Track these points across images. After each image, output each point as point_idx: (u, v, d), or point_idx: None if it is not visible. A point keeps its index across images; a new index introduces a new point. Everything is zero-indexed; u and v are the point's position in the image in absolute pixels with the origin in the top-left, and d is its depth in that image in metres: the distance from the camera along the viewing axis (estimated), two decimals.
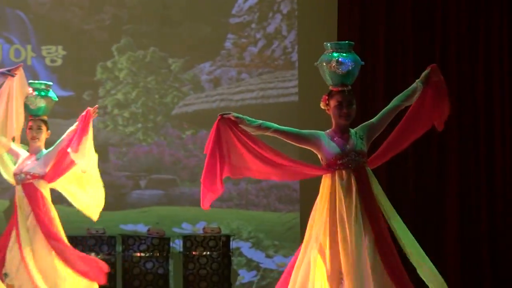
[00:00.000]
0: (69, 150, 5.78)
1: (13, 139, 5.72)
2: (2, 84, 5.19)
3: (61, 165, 5.95)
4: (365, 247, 4.28)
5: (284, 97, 8.77)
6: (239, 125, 4.49)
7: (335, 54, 4.55)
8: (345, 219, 4.30)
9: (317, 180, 4.50)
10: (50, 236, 5.86)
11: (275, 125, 4.55)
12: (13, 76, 5.07)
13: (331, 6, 8.29)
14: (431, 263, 4.40)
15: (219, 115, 4.41)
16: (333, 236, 4.30)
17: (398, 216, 4.46)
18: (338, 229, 4.32)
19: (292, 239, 8.44)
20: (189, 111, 8.71)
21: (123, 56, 8.59)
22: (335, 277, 4.32)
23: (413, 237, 4.46)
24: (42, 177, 5.91)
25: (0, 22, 8.76)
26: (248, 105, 8.46)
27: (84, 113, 5.78)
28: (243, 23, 8.76)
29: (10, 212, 6.49)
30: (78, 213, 6.89)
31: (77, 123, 5.84)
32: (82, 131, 5.84)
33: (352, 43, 4.74)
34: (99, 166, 5.82)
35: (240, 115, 4.41)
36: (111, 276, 7.28)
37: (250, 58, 8.67)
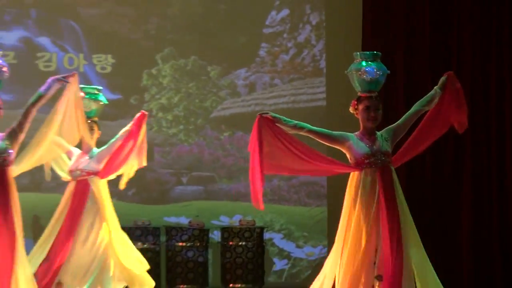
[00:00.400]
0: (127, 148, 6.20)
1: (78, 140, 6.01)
2: (57, 90, 5.34)
3: (114, 162, 6.31)
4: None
5: (313, 102, 9.26)
6: (276, 124, 4.85)
7: (363, 63, 4.99)
8: (370, 212, 4.72)
9: (342, 177, 5.01)
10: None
11: (309, 126, 4.93)
12: (67, 82, 5.27)
13: (356, 17, 8.75)
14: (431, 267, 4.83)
15: (258, 114, 4.80)
16: (359, 227, 4.72)
17: (409, 212, 4.84)
18: (362, 222, 4.74)
19: (319, 231, 8.88)
20: (226, 114, 9.16)
21: (167, 64, 9.05)
22: (366, 263, 4.73)
23: (417, 234, 4.86)
24: (95, 173, 6.22)
25: (55, 32, 9.21)
26: (280, 109, 8.73)
27: (138, 115, 6.21)
28: (275, 33, 9.23)
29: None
30: (126, 206, 7.99)
31: (131, 124, 6.21)
32: (138, 131, 6.25)
33: (379, 53, 5.12)
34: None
35: (277, 115, 4.78)
36: (155, 264, 8.07)
37: (282, 65, 9.10)
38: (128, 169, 6.41)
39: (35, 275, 6.20)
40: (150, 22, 9.33)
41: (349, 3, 9.22)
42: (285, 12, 9.23)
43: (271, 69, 9.27)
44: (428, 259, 4.88)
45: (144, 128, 6.39)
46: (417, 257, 4.91)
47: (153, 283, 6.40)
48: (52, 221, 6.36)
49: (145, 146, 6.36)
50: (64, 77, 5.24)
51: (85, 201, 6.49)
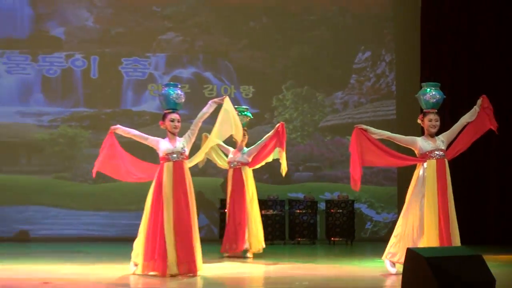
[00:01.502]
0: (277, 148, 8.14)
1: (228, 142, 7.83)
2: (214, 108, 6.77)
3: (259, 157, 8.40)
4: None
5: (387, 116, 11.39)
6: (366, 132, 6.46)
7: (428, 90, 6.57)
8: (430, 190, 6.25)
9: (407, 166, 6.87)
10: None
11: (389, 132, 6.61)
12: (221, 103, 6.72)
13: (416, 57, 10.82)
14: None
15: (355, 126, 6.50)
16: (420, 201, 6.29)
17: (451, 190, 6.26)
18: (426, 196, 6.30)
19: (392, 203, 11.08)
20: (328, 124, 11.45)
21: (289, 92, 11.35)
22: (431, 224, 6.24)
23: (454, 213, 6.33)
24: (246, 164, 8.30)
25: (216, 69, 11.48)
26: (365, 121, 10.28)
27: (278, 124, 8.23)
28: (361, 68, 11.52)
29: (224, 186, 9.04)
30: (263, 185, 9.88)
31: (272, 131, 8.24)
32: (276, 135, 8.21)
33: (439, 84, 6.70)
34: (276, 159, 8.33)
35: (366, 126, 6.50)
36: (282, 224, 10.33)
37: (365, 90, 11.33)
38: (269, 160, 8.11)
39: (225, 240, 8.15)
40: (277, 62, 11.44)
41: (411, 48, 11.17)
42: (367, 53, 11.41)
43: (359, 92, 11.44)
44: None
45: (284, 134, 8.22)
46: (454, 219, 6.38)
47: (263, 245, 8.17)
48: (229, 198, 8.42)
49: (284, 145, 8.21)
50: (221, 100, 6.68)
51: (243, 182, 8.26)
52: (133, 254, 6.76)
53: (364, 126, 6.64)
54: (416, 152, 6.61)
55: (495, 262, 6.72)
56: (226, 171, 8.68)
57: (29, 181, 11.43)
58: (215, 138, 7.00)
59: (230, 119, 6.96)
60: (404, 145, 6.82)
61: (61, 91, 11.63)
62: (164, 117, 6.72)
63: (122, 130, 6.89)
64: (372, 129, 6.67)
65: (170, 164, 6.56)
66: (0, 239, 10.96)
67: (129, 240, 7.69)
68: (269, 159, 8.51)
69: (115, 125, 7.02)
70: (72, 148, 11.52)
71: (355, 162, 6.58)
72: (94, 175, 7.12)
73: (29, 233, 11.31)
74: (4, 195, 11.26)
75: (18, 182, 11.38)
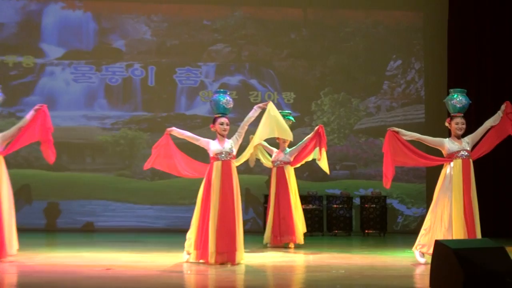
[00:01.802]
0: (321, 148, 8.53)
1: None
2: (258, 113, 7.03)
3: (301, 156, 8.79)
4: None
5: (416, 119, 11.58)
6: (398, 134, 6.62)
7: (455, 95, 6.70)
8: (455, 187, 6.48)
9: (436, 166, 7.00)
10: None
11: (418, 134, 6.75)
12: (265, 108, 7.03)
13: (443, 65, 11.12)
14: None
15: (388, 129, 6.68)
16: (448, 197, 6.49)
17: (475, 187, 6.47)
18: (453, 193, 6.47)
19: (421, 198, 11.32)
20: (362, 127, 11.74)
21: (326, 97, 11.62)
22: (459, 218, 6.44)
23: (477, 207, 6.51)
24: (289, 163, 8.66)
25: (260, 76, 11.71)
26: (396, 124, 10.52)
27: (317, 127, 8.61)
28: (393, 75, 11.75)
29: (269, 183, 9.18)
30: (302, 182, 9.95)
31: (312, 133, 8.63)
32: (315, 137, 8.59)
33: (465, 90, 6.79)
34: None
35: (398, 129, 6.67)
36: (320, 218, 10.57)
37: (397, 95, 11.59)
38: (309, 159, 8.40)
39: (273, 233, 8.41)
40: (315, 70, 11.69)
41: (439, 57, 11.46)
42: (398, 62, 11.76)
43: (390, 97, 11.74)
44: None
45: (324, 135, 8.57)
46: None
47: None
48: (274, 194, 8.70)
49: (325, 146, 8.60)
50: (263, 104, 6.96)
51: (286, 180, 8.57)
52: (186, 243, 6.99)
53: (396, 129, 6.84)
54: (443, 152, 6.78)
55: None
56: (270, 169, 8.96)
57: (94, 178, 11.77)
58: (257, 139, 7.20)
59: (271, 123, 7.17)
60: (432, 146, 7.01)
61: (122, 97, 11.93)
62: (214, 120, 6.92)
63: (176, 132, 7.10)
64: (403, 131, 6.89)
65: (219, 163, 6.78)
66: (69, 230, 11.41)
67: (180, 231, 8.30)
68: (309, 158, 8.77)
69: (171, 127, 7.25)
70: (132, 148, 11.72)
71: (388, 162, 6.86)
72: (145, 168, 7.38)
73: (94, 224, 11.72)
74: (71, 190, 11.65)
75: (84, 179, 11.76)
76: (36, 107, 7.41)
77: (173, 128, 7.14)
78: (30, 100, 11.17)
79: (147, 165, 7.33)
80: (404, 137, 6.87)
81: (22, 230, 8.60)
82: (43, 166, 10.74)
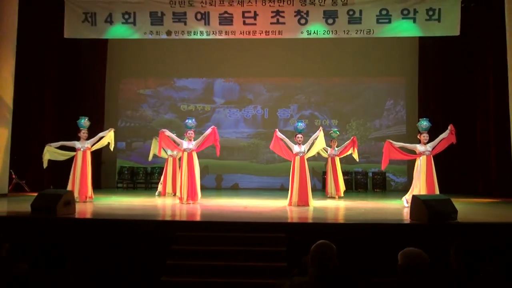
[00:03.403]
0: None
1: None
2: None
3: (343, 152, 12.37)
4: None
5: (401, 133, 14.76)
6: (391, 143, 9.45)
7: (422, 122, 9.79)
8: (422, 170, 9.24)
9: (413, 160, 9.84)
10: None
11: (402, 143, 9.53)
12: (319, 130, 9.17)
13: (416, 103, 14.68)
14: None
15: (386, 140, 9.70)
16: (419, 176, 9.31)
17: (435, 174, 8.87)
18: (421, 173, 9.29)
19: (404, 173, 15.31)
20: (373, 137, 15.64)
21: (354, 122, 15.77)
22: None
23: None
24: (337, 155, 12.30)
25: (319, 111, 15.28)
26: (390, 135, 14.09)
27: (353, 137, 12.34)
28: (388, 108, 15.37)
29: (326, 165, 12.75)
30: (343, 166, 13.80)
31: (349, 140, 12.48)
32: (356, 144, 12.23)
33: (428, 118, 9.47)
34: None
35: (391, 140, 9.55)
36: (351, 183, 14.77)
37: (391, 119, 15.23)
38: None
39: None
40: (346, 108, 15.50)
41: (414, 99, 14.90)
42: (391, 101, 15.27)
43: (387, 120, 15.07)
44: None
45: (356, 142, 11.90)
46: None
47: None
48: (328, 170, 12.26)
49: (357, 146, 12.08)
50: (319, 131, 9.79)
51: (335, 164, 12.29)
52: (290, 198, 9.62)
53: (390, 140, 9.51)
54: (416, 151, 9.27)
55: (458, 204, 7.50)
56: (326, 159, 12.61)
57: (239, 163, 16.25)
58: (315, 149, 10.04)
59: (323, 140, 9.90)
60: (410, 149, 9.47)
61: (251, 123, 16.15)
62: (295, 136, 9.79)
63: (281, 136, 9.60)
64: (394, 142, 9.45)
65: (298, 157, 9.60)
66: (225, 188, 15.95)
67: (283, 189, 12.19)
68: (348, 153, 12.42)
69: (275, 130, 10.05)
70: (257, 149, 16.01)
71: (385, 157, 9.35)
72: (271, 147, 10.09)
73: (238, 185, 16.23)
74: (228, 169, 15.99)
75: (234, 164, 16.25)
76: (211, 127, 10.26)
77: (277, 130, 10.14)
78: (208, 125, 13.78)
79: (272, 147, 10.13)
80: (395, 145, 9.46)
81: (205, 188, 12.43)
82: (214, 156, 13.19)
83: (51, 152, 10.78)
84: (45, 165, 10.80)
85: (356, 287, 3.22)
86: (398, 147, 9.67)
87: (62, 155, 11.03)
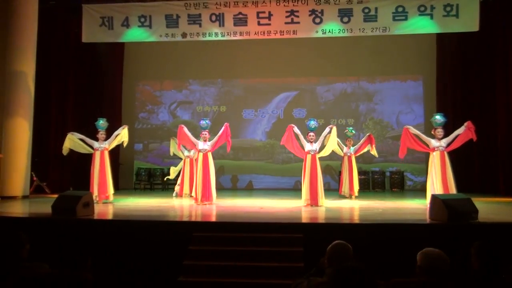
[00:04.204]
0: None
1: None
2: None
3: (359, 150, 12.05)
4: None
5: (419, 129, 10.82)
6: (409, 129, 9.39)
7: (437, 116, 9.61)
8: (437, 166, 9.07)
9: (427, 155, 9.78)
10: None
11: (419, 132, 9.39)
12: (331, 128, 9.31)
13: (434, 101, 14.71)
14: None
15: (404, 126, 9.51)
16: (433, 172, 9.15)
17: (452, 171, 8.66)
18: (435, 171, 9.08)
19: (423, 171, 14.49)
20: (389, 136, 15.65)
21: (371, 121, 15.68)
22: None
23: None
24: (353, 154, 12.06)
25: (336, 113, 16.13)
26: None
27: (369, 134, 12.09)
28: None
29: (341, 163, 12.37)
30: (361, 165, 13.98)
31: (365, 137, 12.06)
32: (373, 140, 11.93)
33: (443, 113, 9.54)
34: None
35: (409, 126, 9.49)
36: (368, 182, 14.65)
37: None
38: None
39: None
40: (363, 107, 15.83)
41: (432, 98, 14.84)
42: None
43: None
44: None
45: (373, 139, 11.65)
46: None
47: None
48: (344, 168, 12.18)
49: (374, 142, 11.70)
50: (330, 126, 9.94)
51: (352, 163, 11.82)
52: (303, 197, 9.59)
53: (408, 127, 9.52)
54: (429, 146, 9.17)
55: (479, 203, 7.38)
56: (342, 157, 12.43)
57: (254, 164, 16.17)
58: (329, 149, 10.12)
59: (335, 139, 9.98)
60: (424, 140, 9.31)
61: (270, 125, 16.30)
62: (308, 134, 9.68)
63: (297, 131, 9.70)
64: (412, 128, 9.44)
65: (310, 155, 9.55)
66: (239, 188, 15.94)
67: (296, 190, 12.15)
68: (364, 151, 12.20)
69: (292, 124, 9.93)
70: (272, 149, 16.00)
71: (403, 144, 9.30)
72: (282, 143, 10.09)
73: (253, 184, 16.24)
74: (243, 169, 16.09)
75: (249, 164, 16.20)
76: (224, 124, 10.52)
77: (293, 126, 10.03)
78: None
79: (283, 142, 10.02)
80: (412, 131, 9.31)
81: (221, 189, 13.06)
82: (230, 157, 15.21)
83: (72, 141, 10.97)
84: (65, 152, 11.00)
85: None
86: (414, 135, 9.60)
87: (83, 148, 11.14)
